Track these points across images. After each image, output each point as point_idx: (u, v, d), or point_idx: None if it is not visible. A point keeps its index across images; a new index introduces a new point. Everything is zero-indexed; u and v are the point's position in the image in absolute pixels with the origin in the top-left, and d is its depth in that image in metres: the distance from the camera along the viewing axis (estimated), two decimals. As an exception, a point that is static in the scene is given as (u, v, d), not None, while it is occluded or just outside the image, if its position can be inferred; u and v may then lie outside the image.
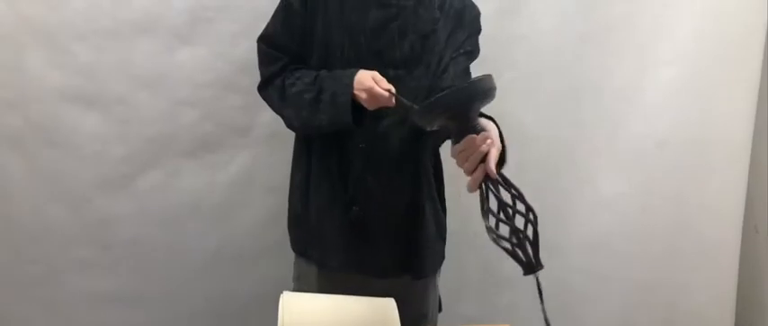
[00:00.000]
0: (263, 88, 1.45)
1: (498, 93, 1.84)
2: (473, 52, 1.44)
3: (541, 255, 1.97)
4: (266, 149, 1.76)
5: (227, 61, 1.68)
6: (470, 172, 1.01)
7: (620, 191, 1.87)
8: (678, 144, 1.85)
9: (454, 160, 1.05)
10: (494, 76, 1.69)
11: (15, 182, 1.69)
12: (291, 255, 1.54)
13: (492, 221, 0.99)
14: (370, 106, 1.28)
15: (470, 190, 1.02)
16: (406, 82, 1.34)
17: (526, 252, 1.01)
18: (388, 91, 1.25)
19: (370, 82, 1.26)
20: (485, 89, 1.02)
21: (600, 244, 1.90)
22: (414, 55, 1.37)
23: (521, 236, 0.99)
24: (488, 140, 1.01)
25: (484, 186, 1.02)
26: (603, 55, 1.82)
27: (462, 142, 1.01)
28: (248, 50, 1.67)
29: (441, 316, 1.61)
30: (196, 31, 1.66)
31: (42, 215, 1.71)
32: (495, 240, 0.98)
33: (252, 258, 1.81)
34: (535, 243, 1.01)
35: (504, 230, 0.99)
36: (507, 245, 0.99)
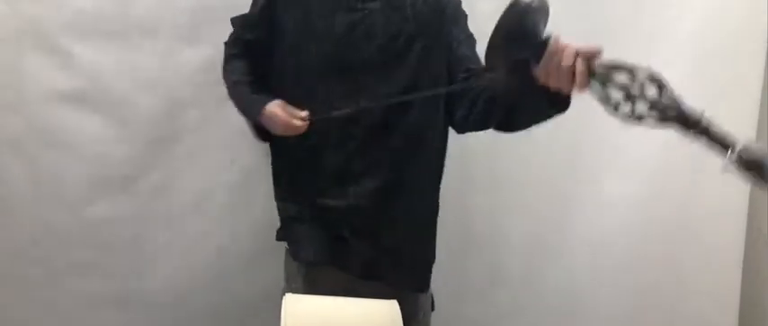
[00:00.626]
0: (225, 56, 1.51)
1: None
2: (471, 36, 1.41)
3: (542, 257, 1.98)
4: (268, 150, 1.75)
5: (229, 62, 1.68)
6: (569, 73, 0.96)
7: (624, 193, 1.86)
8: (681, 146, 1.84)
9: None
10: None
11: (16, 184, 1.68)
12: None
13: (627, 108, 0.94)
14: (282, 134, 1.33)
15: (581, 88, 0.97)
16: (373, 88, 1.33)
17: (681, 113, 0.94)
18: (303, 119, 1.30)
19: (282, 118, 1.30)
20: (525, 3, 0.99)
21: (603, 246, 1.89)
22: (382, 58, 1.35)
23: (663, 104, 0.94)
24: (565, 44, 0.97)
25: (595, 80, 0.96)
26: (605, 55, 1.81)
27: (545, 56, 0.98)
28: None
29: (442, 316, 1.60)
30: (198, 31, 1.66)
31: (43, 217, 1.70)
32: (655, 120, 0.95)
33: (254, 260, 1.80)
34: (675, 102, 0.94)
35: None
36: (664, 118, 0.95)
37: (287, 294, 1.16)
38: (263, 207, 1.76)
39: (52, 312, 1.76)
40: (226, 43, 1.51)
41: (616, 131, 1.84)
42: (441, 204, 1.55)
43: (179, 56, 1.66)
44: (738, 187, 1.92)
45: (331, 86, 1.36)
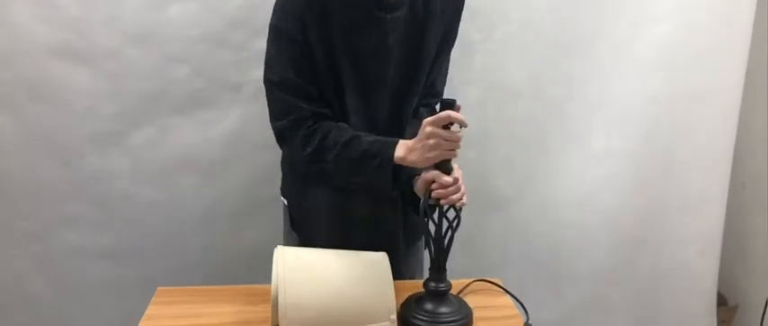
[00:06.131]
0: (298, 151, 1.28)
1: (491, 47, 1.83)
2: (447, 69, 1.44)
3: (529, 211, 2.00)
4: (258, 105, 1.74)
5: (219, 16, 1.66)
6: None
7: (610, 147, 1.88)
8: (669, 100, 1.86)
9: None
10: (487, 29, 1.69)
11: (6, 138, 1.68)
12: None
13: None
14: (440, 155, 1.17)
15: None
16: (405, 108, 1.32)
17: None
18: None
19: (443, 134, 1.13)
20: None
21: (589, 199, 1.92)
22: (409, 73, 1.31)
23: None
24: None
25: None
26: (596, 10, 1.81)
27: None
28: (240, 5, 1.66)
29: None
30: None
31: (34, 171, 1.70)
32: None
33: (246, 214, 1.82)
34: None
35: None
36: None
37: (278, 247, 1.18)
38: (255, 163, 1.77)
39: (44, 266, 1.78)
40: (282, 136, 1.29)
41: (603, 87, 1.86)
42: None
43: (168, 9, 1.64)
44: (724, 141, 1.95)
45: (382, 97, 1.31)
